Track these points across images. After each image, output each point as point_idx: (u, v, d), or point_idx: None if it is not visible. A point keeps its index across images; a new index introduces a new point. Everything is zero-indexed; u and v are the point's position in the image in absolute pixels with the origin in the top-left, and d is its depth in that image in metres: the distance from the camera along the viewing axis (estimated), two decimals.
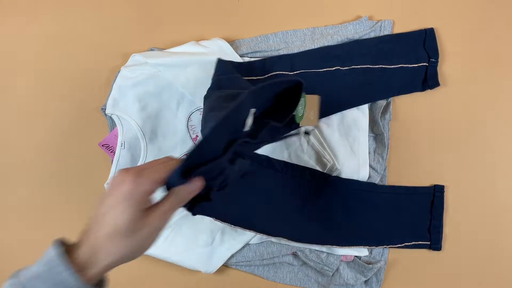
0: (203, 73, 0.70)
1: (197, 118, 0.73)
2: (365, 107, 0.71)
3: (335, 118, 0.71)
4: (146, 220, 0.38)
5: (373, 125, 0.72)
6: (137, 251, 0.38)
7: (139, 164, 0.72)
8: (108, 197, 0.37)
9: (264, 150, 0.72)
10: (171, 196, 0.41)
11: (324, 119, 0.72)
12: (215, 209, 0.67)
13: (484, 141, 0.73)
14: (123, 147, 0.72)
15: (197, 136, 0.73)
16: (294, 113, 0.57)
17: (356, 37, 0.73)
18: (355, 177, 0.70)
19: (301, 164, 0.71)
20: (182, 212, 0.72)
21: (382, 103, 0.71)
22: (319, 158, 0.71)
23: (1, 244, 0.77)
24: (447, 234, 0.73)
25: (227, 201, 0.66)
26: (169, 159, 0.43)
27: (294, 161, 0.72)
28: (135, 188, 0.37)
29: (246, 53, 0.74)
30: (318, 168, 0.71)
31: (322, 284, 0.73)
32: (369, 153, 0.72)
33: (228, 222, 0.68)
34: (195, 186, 0.41)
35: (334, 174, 0.71)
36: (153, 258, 0.72)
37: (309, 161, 0.71)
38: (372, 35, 0.73)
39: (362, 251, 0.71)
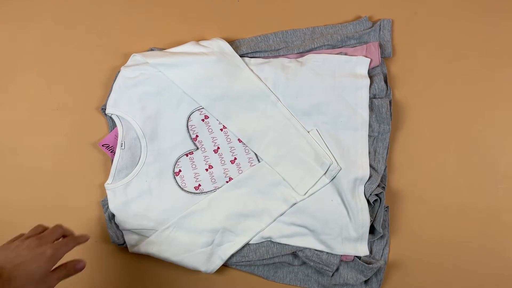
0: (203, 73, 0.71)
1: (197, 118, 0.73)
2: (365, 107, 0.71)
3: (335, 118, 0.71)
4: (47, 280, 0.51)
5: (374, 125, 0.72)
6: None
7: (139, 164, 0.72)
8: (29, 249, 0.51)
9: (262, 150, 0.72)
10: (65, 267, 0.55)
11: (323, 119, 0.72)
12: None
13: (485, 141, 0.73)
14: (123, 147, 0.72)
15: (197, 136, 0.73)
16: None
17: (356, 36, 0.73)
18: (355, 177, 0.70)
19: (301, 164, 0.71)
20: (181, 213, 0.72)
21: (382, 103, 0.71)
22: (319, 159, 0.71)
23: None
24: (448, 234, 0.73)
25: None
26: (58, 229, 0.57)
27: (294, 161, 0.72)
28: (54, 256, 0.52)
29: (246, 53, 0.74)
30: (318, 167, 0.71)
31: (322, 284, 0.73)
32: (369, 153, 0.72)
33: None
34: (81, 266, 0.56)
35: (334, 173, 0.70)
36: (153, 258, 0.72)
37: (310, 161, 0.71)
38: (372, 34, 0.73)
39: (362, 251, 0.71)
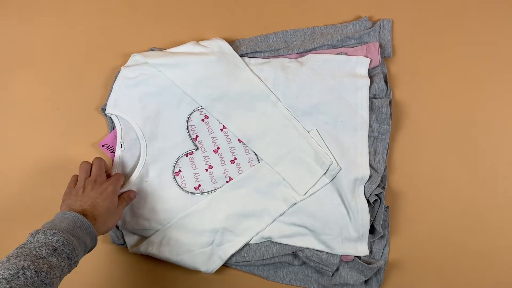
0: (203, 73, 0.70)
1: (197, 118, 0.73)
2: (365, 107, 0.71)
3: (335, 117, 0.71)
4: (117, 210, 0.64)
5: (374, 125, 0.72)
6: (112, 227, 0.63)
7: (139, 164, 0.72)
8: (95, 190, 0.62)
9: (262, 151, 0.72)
10: (123, 198, 0.68)
11: (323, 119, 0.72)
12: None
13: (485, 140, 0.73)
14: (122, 148, 0.72)
15: (197, 136, 0.73)
16: None
17: (356, 36, 0.73)
18: (355, 177, 0.70)
19: (301, 164, 0.71)
20: (182, 213, 0.72)
21: (382, 103, 0.71)
22: (319, 159, 0.71)
23: (1, 244, 0.77)
24: (448, 234, 0.73)
25: None
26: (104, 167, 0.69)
27: (294, 161, 0.72)
28: (115, 190, 0.65)
29: (246, 53, 0.74)
30: (318, 167, 0.71)
31: (322, 284, 0.73)
32: (369, 153, 0.72)
33: None
34: (133, 194, 0.71)
35: (334, 173, 0.70)
36: (153, 258, 0.72)
37: (310, 161, 0.71)
38: (372, 34, 0.73)
39: (362, 251, 0.71)
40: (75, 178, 0.66)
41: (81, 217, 0.55)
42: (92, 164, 0.68)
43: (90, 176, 0.65)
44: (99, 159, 0.68)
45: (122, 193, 0.68)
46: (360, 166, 0.71)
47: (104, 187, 0.63)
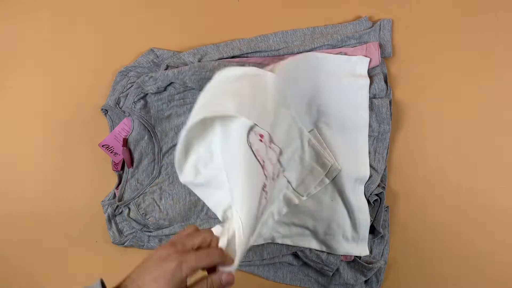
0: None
1: None
2: (365, 107, 0.71)
3: (334, 117, 0.71)
4: None
5: (374, 125, 0.72)
6: None
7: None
8: (152, 270, 0.43)
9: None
10: (202, 283, 0.46)
11: (323, 119, 0.72)
12: None
13: (485, 140, 0.73)
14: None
15: None
16: None
17: (356, 36, 0.73)
18: (355, 177, 0.70)
19: (302, 164, 0.71)
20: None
21: (382, 102, 0.71)
22: (320, 159, 0.71)
23: (1, 244, 0.77)
24: (449, 234, 0.73)
25: None
26: (208, 239, 0.48)
27: (296, 162, 0.71)
28: (178, 272, 0.43)
29: (246, 53, 0.74)
30: (319, 168, 0.71)
31: (322, 284, 0.73)
32: (369, 153, 0.72)
33: None
34: (227, 281, 0.47)
35: (335, 173, 0.70)
36: None
37: (311, 162, 0.71)
38: (372, 34, 0.73)
39: (362, 251, 0.71)
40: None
41: None
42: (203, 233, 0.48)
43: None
44: (201, 231, 0.48)
45: (205, 278, 0.47)
46: (360, 166, 0.71)
47: (166, 262, 0.44)
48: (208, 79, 0.66)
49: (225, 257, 0.47)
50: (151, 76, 0.69)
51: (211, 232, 0.49)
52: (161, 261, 0.44)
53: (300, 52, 0.73)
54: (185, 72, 0.68)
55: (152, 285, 0.42)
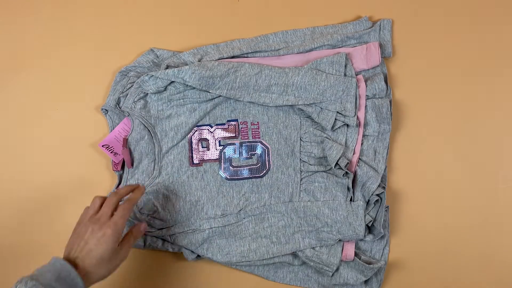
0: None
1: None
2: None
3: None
4: (120, 251, 0.58)
5: (374, 125, 0.72)
6: (113, 270, 0.58)
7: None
8: (92, 234, 0.56)
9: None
10: (129, 235, 0.62)
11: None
12: None
13: (485, 141, 0.73)
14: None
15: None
16: None
17: (356, 36, 0.73)
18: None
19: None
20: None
21: (382, 102, 0.71)
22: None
23: (1, 244, 0.77)
24: (448, 234, 0.73)
25: None
26: (112, 198, 0.61)
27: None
28: (117, 230, 0.57)
29: (246, 53, 0.74)
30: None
31: (322, 284, 0.73)
32: (369, 153, 0.72)
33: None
34: (143, 227, 0.65)
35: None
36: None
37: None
38: (372, 34, 0.73)
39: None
40: (86, 211, 0.61)
41: (69, 268, 0.52)
42: (105, 198, 0.61)
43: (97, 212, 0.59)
44: (115, 194, 0.62)
45: (130, 230, 0.63)
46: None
47: (103, 231, 0.56)
48: (208, 77, 0.67)
49: (132, 200, 0.62)
50: (152, 75, 0.69)
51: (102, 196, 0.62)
52: (99, 225, 0.57)
53: (300, 52, 0.73)
54: (185, 71, 0.68)
55: (96, 250, 0.55)
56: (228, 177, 0.73)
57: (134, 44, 0.76)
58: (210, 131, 0.74)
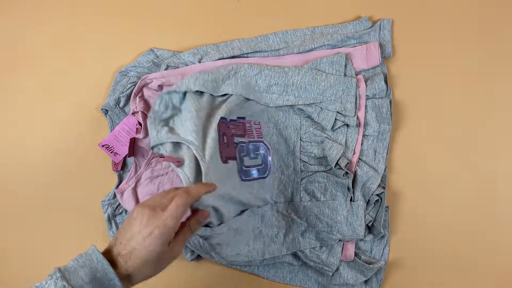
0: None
1: None
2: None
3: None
4: (170, 252, 0.50)
5: (374, 125, 0.72)
6: (160, 270, 0.50)
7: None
8: (140, 233, 0.47)
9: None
10: (185, 229, 0.53)
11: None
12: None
13: (485, 140, 0.73)
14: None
15: None
16: None
17: (356, 36, 0.73)
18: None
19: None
20: None
21: (382, 102, 0.71)
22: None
23: (1, 245, 0.77)
24: (449, 233, 0.73)
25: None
26: (176, 191, 0.52)
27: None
28: (166, 231, 0.48)
29: (246, 53, 0.74)
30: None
31: (322, 284, 0.73)
32: (369, 153, 0.72)
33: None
34: (203, 217, 0.55)
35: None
36: None
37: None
38: (372, 34, 0.73)
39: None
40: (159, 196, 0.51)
41: (107, 267, 0.45)
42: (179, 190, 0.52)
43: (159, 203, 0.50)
44: (185, 191, 0.51)
45: (185, 222, 0.53)
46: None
47: (150, 229, 0.47)
48: (212, 81, 0.64)
49: (190, 195, 0.51)
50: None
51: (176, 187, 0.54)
52: (149, 219, 0.48)
53: (300, 52, 0.73)
54: (187, 80, 0.62)
55: (143, 249, 0.47)
56: (243, 178, 0.68)
57: (134, 44, 0.76)
58: (227, 125, 0.67)
